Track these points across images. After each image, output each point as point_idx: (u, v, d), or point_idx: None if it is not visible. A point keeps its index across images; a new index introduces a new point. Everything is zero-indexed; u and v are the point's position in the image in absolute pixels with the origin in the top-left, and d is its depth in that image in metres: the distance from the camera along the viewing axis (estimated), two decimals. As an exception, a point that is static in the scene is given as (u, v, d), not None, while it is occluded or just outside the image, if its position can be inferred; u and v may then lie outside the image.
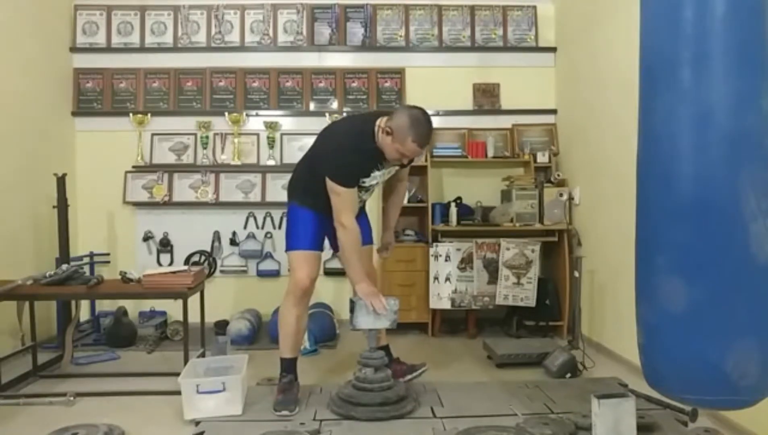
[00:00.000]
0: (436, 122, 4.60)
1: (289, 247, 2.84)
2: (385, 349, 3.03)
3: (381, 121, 2.63)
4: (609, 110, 3.70)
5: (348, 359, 3.68)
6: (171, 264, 4.47)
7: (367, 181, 2.72)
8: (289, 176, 4.72)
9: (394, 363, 3.01)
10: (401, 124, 2.54)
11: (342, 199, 2.62)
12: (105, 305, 4.36)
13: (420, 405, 2.69)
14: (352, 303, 2.68)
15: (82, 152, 4.54)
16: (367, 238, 2.94)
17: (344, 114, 4.56)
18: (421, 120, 2.56)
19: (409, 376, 2.99)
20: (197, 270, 3.32)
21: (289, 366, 2.79)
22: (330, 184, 2.62)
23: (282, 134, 4.61)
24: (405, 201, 3.19)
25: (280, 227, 4.55)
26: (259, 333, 4.14)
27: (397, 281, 4.23)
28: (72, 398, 2.87)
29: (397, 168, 2.85)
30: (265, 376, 3.22)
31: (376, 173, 2.73)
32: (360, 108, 4.64)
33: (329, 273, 4.42)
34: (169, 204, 4.47)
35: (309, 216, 2.80)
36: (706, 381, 1.72)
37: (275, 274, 4.54)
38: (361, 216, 2.93)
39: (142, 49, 4.61)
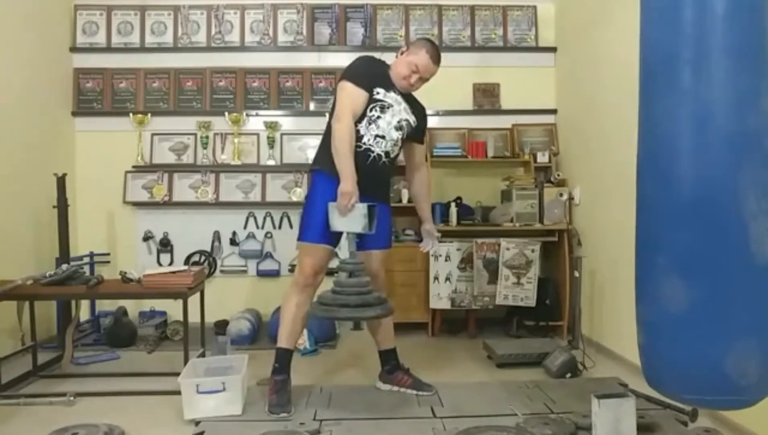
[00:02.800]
0: (436, 122, 4.64)
1: (300, 237, 2.84)
2: (390, 353, 3.00)
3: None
4: (609, 110, 3.70)
5: (348, 359, 3.69)
6: (171, 264, 4.47)
7: (382, 95, 2.77)
8: (289, 176, 4.73)
9: (400, 371, 2.98)
10: (417, 42, 2.92)
11: (346, 93, 2.69)
12: (105, 305, 4.36)
13: (386, 310, 2.58)
14: (328, 205, 2.63)
15: (82, 152, 4.54)
16: (383, 241, 2.92)
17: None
18: (434, 44, 2.92)
19: (410, 390, 2.94)
20: (197, 270, 3.32)
21: (283, 359, 2.75)
22: (340, 84, 2.73)
23: (282, 134, 4.61)
24: (426, 190, 3.14)
25: (280, 227, 4.56)
26: (259, 333, 4.14)
27: (397, 281, 4.22)
28: (72, 398, 2.87)
29: (413, 119, 2.86)
30: (266, 376, 3.22)
31: (392, 94, 2.80)
32: (360, 108, 4.63)
33: (330, 273, 4.41)
34: (169, 204, 4.47)
35: (324, 181, 2.71)
36: (706, 381, 1.72)
37: (275, 274, 4.54)
38: (382, 216, 2.76)
39: (142, 49, 4.61)
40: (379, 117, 2.75)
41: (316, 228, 2.73)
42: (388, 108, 2.77)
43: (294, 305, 2.77)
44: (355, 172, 2.60)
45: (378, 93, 2.76)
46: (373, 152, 2.75)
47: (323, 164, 2.76)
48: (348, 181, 2.56)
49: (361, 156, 2.71)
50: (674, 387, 1.82)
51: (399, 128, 2.80)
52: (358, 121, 2.72)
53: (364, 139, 2.73)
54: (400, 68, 2.81)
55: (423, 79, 2.86)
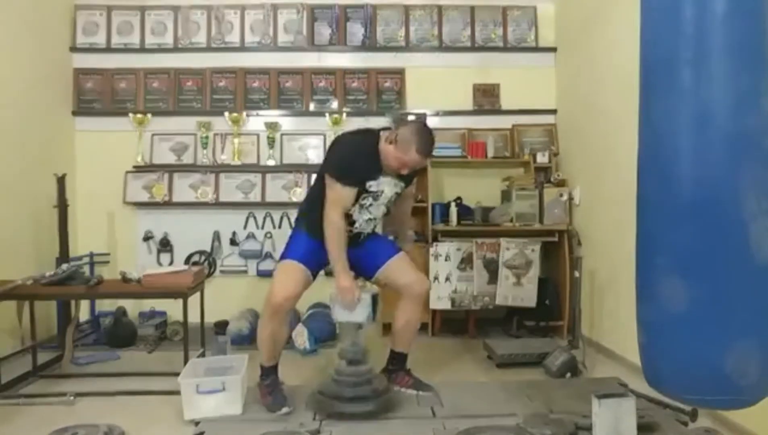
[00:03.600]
0: (436, 122, 4.64)
1: (280, 259, 2.88)
2: (401, 357, 2.98)
3: (385, 133, 2.70)
4: (609, 110, 3.70)
5: (348, 359, 3.68)
6: (171, 264, 4.46)
7: (374, 186, 2.70)
8: (289, 176, 4.74)
9: (402, 372, 2.97)
10: (406, 134, 2.62)
11: (335, 192, 2.63)
12: (105, 305, 4.36)
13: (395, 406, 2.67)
14: (330, 296, 2.72)
15: (82, 152, 4.54)
16: (391, 249, 2.93)
17: (344, 113, 4.57)
18: (425, 131, 2.67)
19: (410, 390, 2.92)
20: (197, 270, 3.32)
21: (268, 371, 2.79)
22: (328, 181, 2.65)
23: (282, 134, 4.61)
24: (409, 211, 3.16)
25: (280, 227, 4.56)
26: (259, 333, 4.13)
27: (397, 281, 4.22)
28: (72, 398, 2.87)
29: (403, 185, 2.82)
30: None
31: (382, 179, 2.71)
32: (360, 108, 4.64)
33: (330, 273, 4.40)
34: (169, 204, 4.47)
35: (305, 237, 2.81)
36: (706, 381, 1.72)
37: (275, 274, 4.53)
38: (373, 237, 2.90)
39: (142, 49, 4.61)
40: (371, 205, 2.77)
41: (296, 250, 2.79)
42: (380, 195, 2.76)
43: (267, 334, 2.72)
44: (346, 251, 2.68)
45: (370, 185, 2.71)
46: (363, 233, 2.83)
47: (308, 227, 2.80)
48: (343, 277, 2.64)
49: (353, 238, 2.79)
50: (674, 387, 1.82)
51: (388, 204, 2.83)
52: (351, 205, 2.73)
53: (357, 224, 2.78)
54: (389, 161, 2.65)
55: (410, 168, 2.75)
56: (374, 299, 2.67)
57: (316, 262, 2.79)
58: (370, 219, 2.80)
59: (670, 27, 1.74)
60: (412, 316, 2.89)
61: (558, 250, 4.27)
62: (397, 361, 2.98)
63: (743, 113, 1.67)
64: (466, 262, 4.15)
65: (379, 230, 2.99)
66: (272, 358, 2.78)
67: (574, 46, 4.36)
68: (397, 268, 2.85)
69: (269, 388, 2.74)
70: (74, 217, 4.27)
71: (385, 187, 2.75)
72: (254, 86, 4.64)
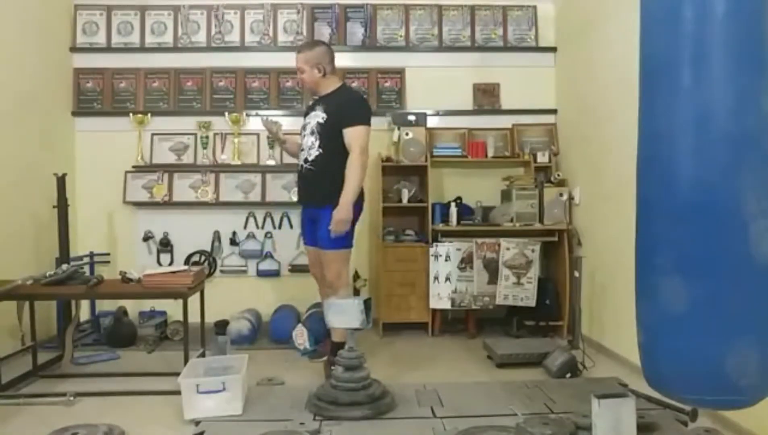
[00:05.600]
0: (437, 122, 4.64)
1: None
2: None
3: None
4: (609, 110, 3.70)
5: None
6: (171, 264, 4.46)
7: (305, 120, 3.29)
8: (289, 176, 4.72)
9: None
10: None
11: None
12: (105, 305, 4.36)
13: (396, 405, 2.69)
14: (323, 303, 2.80)
15: (82, 152, 4.54)
16: (321, 241, 3.18)
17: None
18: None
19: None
20: (197, 270, 3.32)
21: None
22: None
23: (282, 134, 4.59)
24: (352, 172, 3.14)
25: (280, 227, 4.56)
26: (259, 333, 4.14)
27: (397, 281, 4.23)
28: (72, 398, 2.87)
29: (324, 116, 3.16)
30: (265, 375, 3.23)
31: (311, 113, 3.25)
32: (360, 108, 4.64)
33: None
34: (169, 204, 4.47)
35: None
36: (706, 381, 1.72)
37: (275, 274, 4.53)
38: (323, 217, 3.16)
39: (142, 49, 4.61)
40: (302, 136, 3.26)
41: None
42: (306, 125, 3.25)
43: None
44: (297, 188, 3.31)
45: (303, 121, 3.30)
46: (299, 167, 3.26)
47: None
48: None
49: (297, 173, 3.33)
50: (674, 387, 1.83)
51: (311, 133, 3.18)
52: None
53: (301, 159, 3.25)
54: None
55: (298, 72, 3.28)
56: (367, 304, 2.69)
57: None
58: (301, 150, 3.24)
59: (670, 27, 1.74)
60: None
61: (558, 250, 4.27)
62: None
63: (743, 113, 1.67)
64: (466, 262, 4.15)
65: (311, 157, 3.17)
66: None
67: (574, 46, 4.36)
68: (321, 260, 3.23)
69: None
70: (74, 217, 4.28)
71: (310, 119, 3.22)
72: (254, 86, 4.64)
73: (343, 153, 3.12)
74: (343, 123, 3.12)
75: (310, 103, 3.37)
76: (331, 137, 3.12)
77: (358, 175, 3.08)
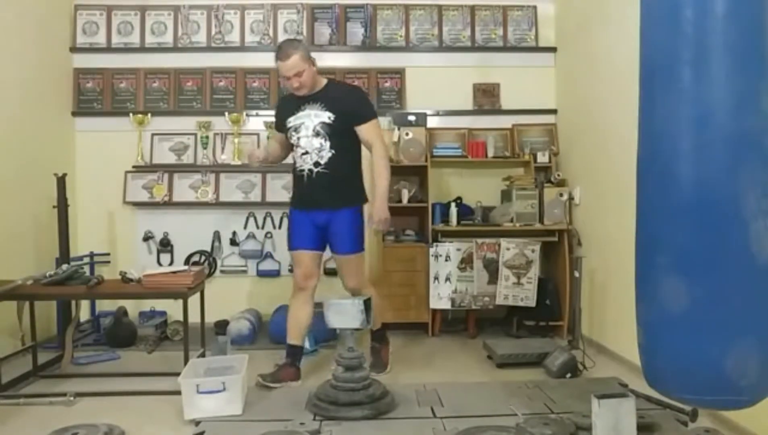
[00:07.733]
0: (437, 122, 4.64)
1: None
2: (376, 334, 3.29)
3: None
4: (609, 110, 3.70)
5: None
6: (171, 264, 4.47)
7: (292, 120, 3.11)
8: (289, 176, 4.71)
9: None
10: None
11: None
12: (105, 305, 4.36)
13: (396, 405, 2.69)
14: (324, 304, 2.77)
15: (82, 152, 4.54)
16: (341, 246, 3.13)
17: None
18: (281, 45, 3.07)
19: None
20: (197, 270, 3.32)
21: (289, 351, 3.12)
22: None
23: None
24: (383, 169, 3.09)
25: (280, 227, 4.56)
26: (259, 333, 4.14)
27: (397, 281, 4.22)
28: (72, 398, 2.87)
29: (330, 114, 3.04)
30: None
31: (300, 113, 3.09)
32: (360, 108, 4.64)
33: (329, 273, 4.42)
34: (169, 204, 4.47)
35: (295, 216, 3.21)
36: (706, 381, 1.71)
37: (275, 274, 4.54)
38: (340, 220, 3.12)
39: (142, 49, 4.61)
40: (299, 138, 3.06)
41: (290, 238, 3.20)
42: (300, 126, 3.06)
43: (291, 309, 3.17)
44: (298, 193, 3.15)
45: (289, 122, 3.09)
46: (304, 171, 3.08)
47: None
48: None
49: (298, 178, 3.13)
50: (674, 387, 1.82)
51: (316, 134, 3.03)
52: (293, 152, 3.15)
53: (297, 164, 3.12)
54: (283, 84, 3.21)
55: (294, 77, 2.99)
56: (367, 304, 2.69)
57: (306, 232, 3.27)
58: (303, 154, 3.07)
59: (670, 27, 1.74)
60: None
61: (558, 250, 4.27)
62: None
63: (743, 113, 1.66)
64: (466, 262, 4.15)
65: (324, 159, 3.05)
66: (291, 335, 3.16)
67: (574, 46, 4.36)
68: (340, 268, 3.23)
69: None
70: (74, 217, 4.27)
71: (304, 118, 3.05)
72: (254, 86, 4.64)
73: (352, 151, 3.10)
74: (355, 120, 3.06)
75: (291, 101, 3.13)
76: (340, 136, 3.04)
77: (388, 169, 3.07)
